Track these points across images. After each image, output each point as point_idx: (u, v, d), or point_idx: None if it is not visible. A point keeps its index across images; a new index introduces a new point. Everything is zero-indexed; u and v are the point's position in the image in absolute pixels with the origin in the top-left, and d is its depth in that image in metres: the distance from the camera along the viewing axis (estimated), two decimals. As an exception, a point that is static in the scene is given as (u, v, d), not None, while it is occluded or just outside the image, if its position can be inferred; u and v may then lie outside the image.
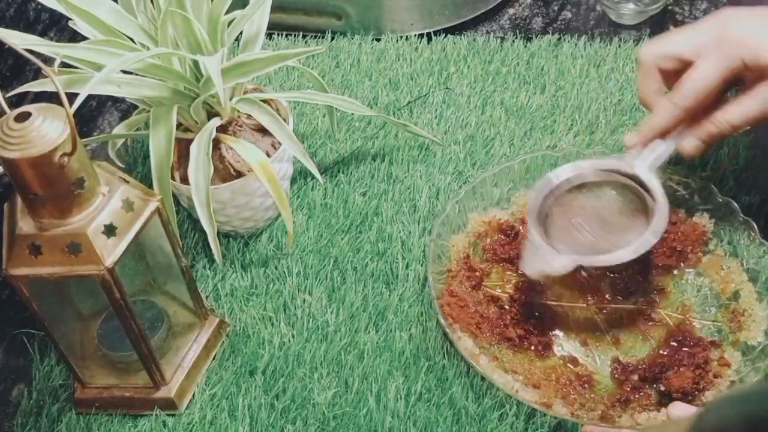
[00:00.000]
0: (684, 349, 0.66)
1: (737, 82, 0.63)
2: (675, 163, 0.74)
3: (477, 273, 0.71)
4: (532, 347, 0.67)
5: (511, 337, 0.67)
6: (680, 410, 0.56)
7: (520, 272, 0.71)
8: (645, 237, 0.64)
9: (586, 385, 0.64)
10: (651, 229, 0.64)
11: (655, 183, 0.65)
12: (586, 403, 0.63)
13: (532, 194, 0.68)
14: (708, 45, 0.62)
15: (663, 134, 0.66)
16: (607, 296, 0.69)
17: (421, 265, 0.74)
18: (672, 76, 0.65)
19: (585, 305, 0.69)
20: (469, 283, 0.71)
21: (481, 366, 0.64)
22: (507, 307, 0.69)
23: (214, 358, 0.70)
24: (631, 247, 0.63)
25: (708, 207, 0.72)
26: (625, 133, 0.82)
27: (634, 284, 0.69)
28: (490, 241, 0.74)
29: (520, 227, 0.74)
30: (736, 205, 0.70)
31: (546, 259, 0.65)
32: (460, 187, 0.76)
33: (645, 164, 0.66)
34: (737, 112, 0.62)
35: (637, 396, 0.63)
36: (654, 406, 0.63)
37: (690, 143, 0.65)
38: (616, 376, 0.65)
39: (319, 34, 0.98)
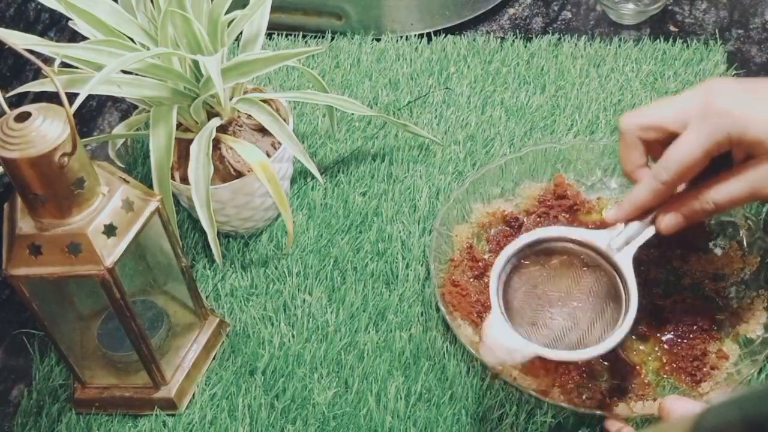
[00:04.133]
0: (682, 340, 0.66)
1: (724, 156, 0.58)
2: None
3: (480, 263, 0.71)
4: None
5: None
6: (674, 403, 0.56)
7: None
8: (612, 336, 0.59)
9: (584, 374, 0.64)
10: (620, 326, 0.59)
11: (628, 269, 0.60)
12: (583, 392, 0.63)
13: (499, 257, 0.62)
14: (693, 116, 0.58)
15: (645, 210, 0.62)
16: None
17: (422, 265, 0.74)
18: (657, 146, 0.61)
19: None
20: (472, 273, 0.71)
21: (481, 353, 0.64)
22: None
23: (214, 358, 0.70)
24: (597, 346, 0.59)
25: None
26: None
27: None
28: (493, 232, 0.74)
29: (525, 218, 0.75)
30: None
31: (509, 347, 0.58)
32: (464, 180, 0.76)
33: (620, 243, 0.61)
34: (723, 191, 0.58)
35: (634, 386, 0.64)
36: (651, 396, 0.63)
37: (670, 220, 0.60)
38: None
39: (319, 34, 0.98)
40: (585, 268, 0.64)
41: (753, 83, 0.59)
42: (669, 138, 0.59)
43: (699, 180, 0.60)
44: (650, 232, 0.62)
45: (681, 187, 0.62)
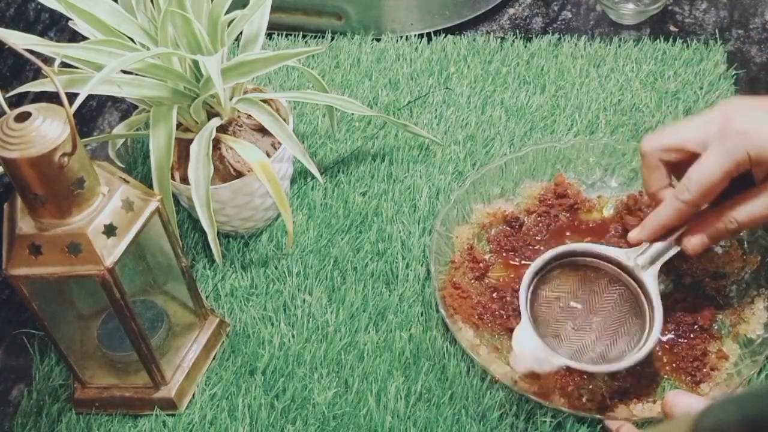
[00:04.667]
0: (682, 340, 0.66)
1: (746, 176, 0.60)
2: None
3: (481, 264, 0.71)
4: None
5: (513, 327, 0.67)
6: (676, 397, 0.56)
7: (522, 263, 0.71)
8: (640, 351, 0.61)
9: (585, 377, 0.64)
10: (645, 341, 0.61)
11: (653, 285, 0.63)
12: (584, 394, 0.63)
13: (529, 269, 0.65)
14: (712, 136, 0.59)
15: (668, 230, 0.64)
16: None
17: (422, 265, 0.74)
18: (679, 166, 0.62)
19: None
20: (473, 274, 0.71)
21: (481, 357, 0.64)
22: (509, 298, 0.69)
23: (214, 358, 0.70)
24: (625, 360, 0.61)
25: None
26: (624, 133, 0.83)
27: None
28: (494, 232, 0.74)
29: (525, 218, 0.75)
30: None
31: (536, 357, 0.61)
32: (464, 181, 0.76)
33: (645, 262, 0.64)
34: (745, 211, 0.60)
35: (634, 387, 0.64)
36: (651, 398, 0.63)
37: (696, 241, 0.62)
38: None
39: (319, 34, 0.98)
40: (609, 284, 0.65)
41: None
42: (691, 158, 0.61)
43: (722, 199, 0.61)
44: (674, 250, 0.64)
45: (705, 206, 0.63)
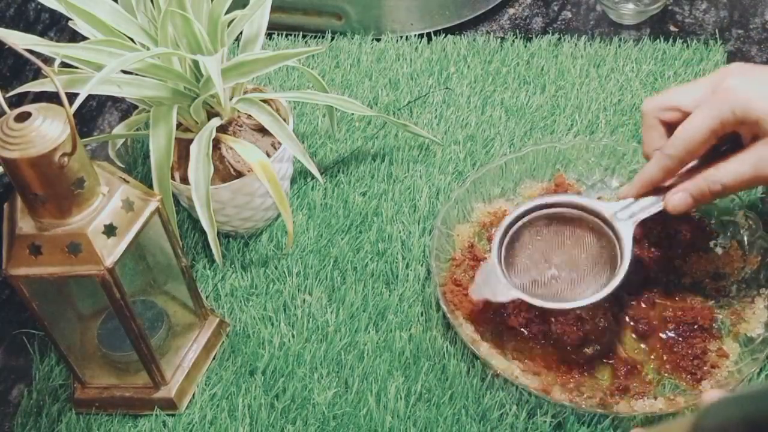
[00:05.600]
0: (682, 339, 0.66)
1: (736, 141, 0.61)
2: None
3: (481, 262, 0.71)
4: (533, 335, 0.67)
5: (513, 325, 0.67)
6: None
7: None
8: (595, 294, 0.63)
9: (586, 373, 0.65)
10: (604, 287, 0.63)
11: (627, 239, 0.64)
12: (585, 391, 0.63)
13: (507, 216, 0.67)
14: (705, 96, 0.60)
15: (655, 186, 0.64)
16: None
17: (422, 265, 0.74)
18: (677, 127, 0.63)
19: None
20: (473, 272, 0.71)
21: (482, 352, 0.64)
22: None
23: (214, 358, 0.70)
24: (576, 301, 0.63)
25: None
26: (624, 133, 0.83)
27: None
28: (494, 231, 0.74)
29: None
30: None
31: (495, 288, 0.64)
32: (464, 180, 0.76)
33: (626, 215, 0.65)
34: (729, 171, 0.60)
35: (634, 384, 0.64)
36: (651, 394, 0.63)
37: (678, 197, 0.63)
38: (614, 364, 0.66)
39: (319, 34, 0.98)
40: (589, 235, 0.67)
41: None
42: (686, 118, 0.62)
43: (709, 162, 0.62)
44: (656, 208, 0.65)
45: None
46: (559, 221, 0.67)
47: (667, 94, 0.64)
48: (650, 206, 0.65)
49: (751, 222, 0.70)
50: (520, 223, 0.67)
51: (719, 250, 0.70)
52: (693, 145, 0.61)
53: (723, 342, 0.66)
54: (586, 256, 0.67)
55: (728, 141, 0.62)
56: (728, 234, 0.71)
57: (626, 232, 0.64)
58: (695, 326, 0.66)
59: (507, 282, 0.64)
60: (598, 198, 0.76)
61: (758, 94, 0.58)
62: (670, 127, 0.64)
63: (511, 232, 0.67)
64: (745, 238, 0.70)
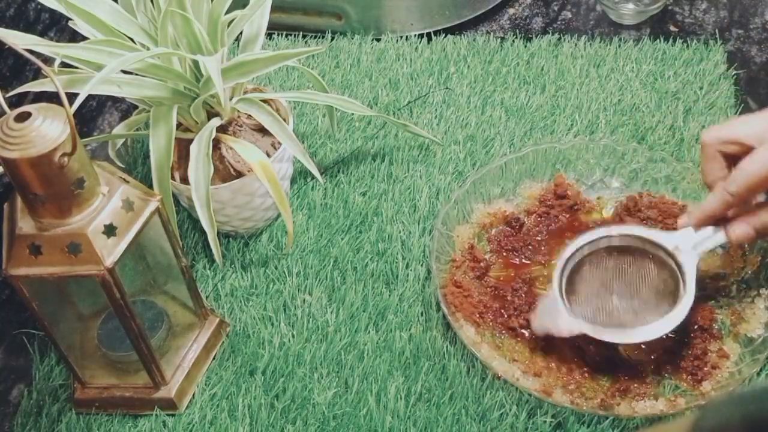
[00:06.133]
0: (682, 340, 0.66)
1: None
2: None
3: (481, 263, 0.71)
4: (534, 337, 0.67)
5: (514, 326, 0.67)
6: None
7: (523, 262, 0.72)
8: (656, 325, 0.63)
9: (587, 375, 0.65)
10: (666, 319, 0.63)
11: (691, 270, 0.64)
12: (585, 392, 0.63)
13: (567, 247, 0.67)
14: (767, 131, 0.60)
15: (715, 219, 0.64)
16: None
17: (422, 265, 0.74)
18: (737, 159, 0.62)
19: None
20: (474, 273, 0.71)
21: (483, 354, 0.64)
22: (510, 297, 0.70)
23: (214, 358, 0.70)
24: (640, 332, 0.63)
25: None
26: (624, 133, 0.83)
27: None
28: (494, 232, 0.75)
29: (525, 219, 0.75)
30: None
31: (557, 321, 0.64)
32: (464, 181, 0.76)
33: (689, 246, 0.64)
34: None
35: (635, 385, 0.64)
36: (652, 395, 0.63)
37: (740, 229, 0.63)
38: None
39: (319, 34, 0.98)
40: (651, 266, 0.66)
41: None
42: (748, 152, 0.61)
43: None
44: (719, 239, 0.64)
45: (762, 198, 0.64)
46: (620, 252, 0.67)
47: (729, 126, 0.63)
48: (713, 236, 0.64)
49: None
50: (580, 254, 0.67)
51: (719, 251, 0.70)
52: (756, 183, 0.60)
53: (723, 342, 0.66)
54: (647, 286, 0.66)
55: None
56: None
57: (690, 263, 0.64)
58: (695, 327, 0.66)
59: (570, 316, 0.64)
60: (598, 198, 0.76)
61: None
62: (731, 159, 0.63)
63: (571, 264, 0.67)
64: None
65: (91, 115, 0.91)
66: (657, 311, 0.65)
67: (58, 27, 0.85)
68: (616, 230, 0.67)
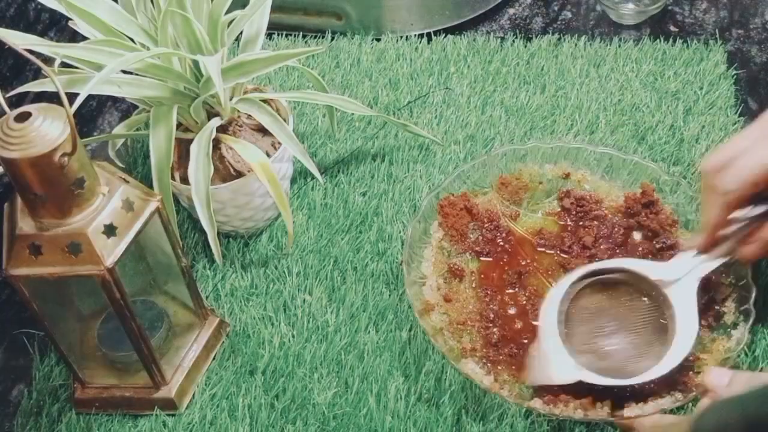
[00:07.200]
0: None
1: None
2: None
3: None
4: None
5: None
6: (715, 376, 0.57)
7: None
8: (654, 369, 0.61)
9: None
10: (663, 362, 0.61)
11: (678, 302, 0.63)
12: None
13: (559, 285, 0.65)
14: (756, 138, 0.60)
15: (718, 228, 0.63)
16: None
17: (421, 265, 0.74)
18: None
19: None
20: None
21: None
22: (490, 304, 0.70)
23: (214, 358, 0.70)
24: (636, 377, 0.61)
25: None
26: (624, 133, 0.83)
27: None
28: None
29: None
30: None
31: (550, 371, 0.62)
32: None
33: (677, 278, 0.63)
34: None
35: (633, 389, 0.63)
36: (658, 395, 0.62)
37: (751, 248, 0.62)
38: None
39: (319, 34, 0.98)
40: (642, 300, 0.65)
41: None
42: None
43: None
44: (709, 267, 0.63)
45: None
46: (607, 286, 0.66)
47: (723, 150, 0.62)
48: (703, 267, 0.63)
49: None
50: (568, 296, 0.65)
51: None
52: (751, 178, 0.59)
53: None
54: (640, 321, 0.65)
55: None
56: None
57: (680, 295, 0.63)
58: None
59: (569, 363, 0.62)
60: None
61: None
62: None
63: (564, 306, 0.65)
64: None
65: (91, 115, 0.91)
66: (656, 347, 0.63)
67: (58, 27, 0.85)
68: (601, 266, 0.66)
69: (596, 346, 0.64)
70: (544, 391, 0.63)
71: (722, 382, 0.56)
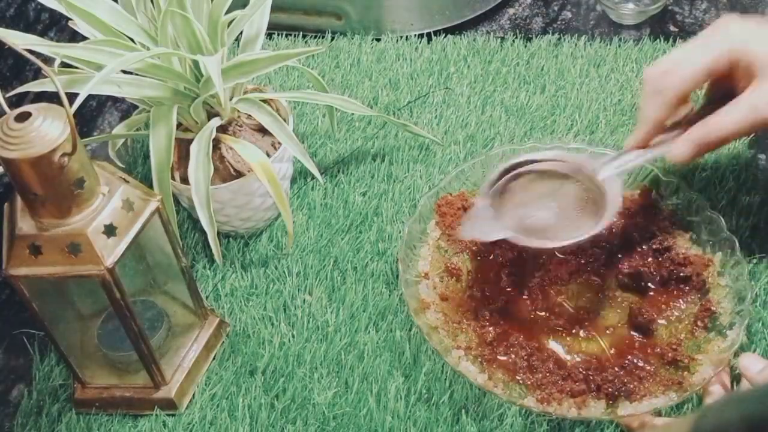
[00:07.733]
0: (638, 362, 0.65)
1: (729, 88, 0.62)
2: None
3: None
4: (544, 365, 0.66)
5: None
6: (749, 361, 0.58)
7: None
8: (576, 235, 0.65)
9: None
10: (584, 230, 0.65)
11: (611, 191, 0.66)
12: (590, 401, 0.62)
13: (497, 169, 0.69)
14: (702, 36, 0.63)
15: (661, 124, 0.65)
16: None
17: (421, 265, 0.74)
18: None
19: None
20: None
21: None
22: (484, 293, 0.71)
23: (214, 358, 0.70)
24: (560, 240, 0.65)
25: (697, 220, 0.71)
26: (624, 133, 0.83)
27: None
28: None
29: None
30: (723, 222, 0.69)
31: (483, 228, 0.67)
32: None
33: (611, 168, 0.67)
34: (728, 116, 0.61)
35: (636, 387, 0.63)
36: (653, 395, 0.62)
37: (680, 146, 0.63)
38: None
39: (319, 34, 0.98)
40: (573, 186, 0.69)
41: (763, 20, 0.63)
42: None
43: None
44: (639, 160, 0.67)
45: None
46: (547, 175, 0.69)
47: (665, 58, 0.65)
48: (635, 158, 0.67)
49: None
50: (508, 175, 0.69)
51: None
52: (690, 78, 0.62)
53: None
54: (574, 205, 0.68)
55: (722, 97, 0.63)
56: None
57: (610, 184, 0.66)
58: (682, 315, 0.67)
59: (496, 221, 0.67)
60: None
61: (755, 39, 0.60)
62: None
63: (501, 182, 0.69)
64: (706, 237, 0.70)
65: (91, 115, 0.91)
66: (583, 226, 0.66)
67: (58, 27, 0.85)
68: (541, 155, 0.70)
69: (526, 215, 0.68)
70: (537, 389, 0.63)
71: (755, 368, 0.58)
